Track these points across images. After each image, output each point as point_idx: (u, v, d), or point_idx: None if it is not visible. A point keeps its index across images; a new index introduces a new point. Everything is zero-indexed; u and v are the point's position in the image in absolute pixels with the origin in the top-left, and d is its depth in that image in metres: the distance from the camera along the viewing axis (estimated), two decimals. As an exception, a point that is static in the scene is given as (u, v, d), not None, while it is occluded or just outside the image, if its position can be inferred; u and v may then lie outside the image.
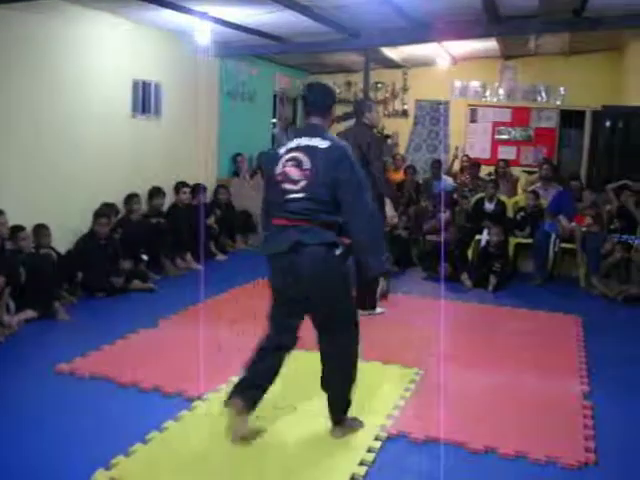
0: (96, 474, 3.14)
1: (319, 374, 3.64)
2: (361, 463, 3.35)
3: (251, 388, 3.57)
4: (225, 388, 4.21)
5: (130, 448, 3.39)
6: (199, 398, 4.06)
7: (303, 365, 4.66)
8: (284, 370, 4.04)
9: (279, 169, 3.48)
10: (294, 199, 3.41)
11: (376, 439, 3.62)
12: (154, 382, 4.25)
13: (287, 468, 3.32)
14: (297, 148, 3.48)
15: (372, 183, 4.26)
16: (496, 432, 3.79)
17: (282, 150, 3.53)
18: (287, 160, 3.47)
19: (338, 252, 3.40)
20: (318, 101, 3.67)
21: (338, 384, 3.63)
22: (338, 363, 3.59)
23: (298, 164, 3.43)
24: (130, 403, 4.03)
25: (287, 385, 4.33)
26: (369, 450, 3.49)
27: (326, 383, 3.64)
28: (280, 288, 3.56)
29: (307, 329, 4.76)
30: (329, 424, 3.69)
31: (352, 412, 3.94)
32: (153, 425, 3.66)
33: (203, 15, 7.03)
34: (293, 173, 3.43)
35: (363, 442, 3.56)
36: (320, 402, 4.04)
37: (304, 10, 6.89)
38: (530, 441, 3.67)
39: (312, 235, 3.36)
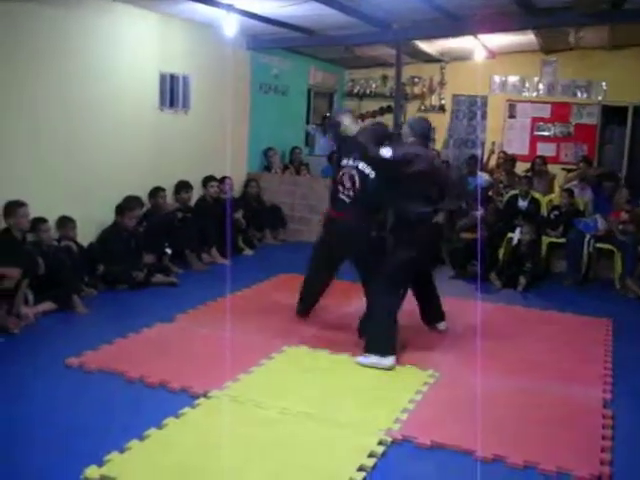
0: (87, 470, 3.09)
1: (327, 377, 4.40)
2: (360, 468, 3.23)
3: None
4: (232, 385, 4.15)
5: (126, 444, 3.34)
6: (204, 395, 3.99)
7: (301, 366, 4.60)
8: (283, 372, 4.37)
9: (338, 174, 5.07)
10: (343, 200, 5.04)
11: (380, 443, 3.50)
12: (161, 377, 4.20)
13: (284, 470, 3.22)
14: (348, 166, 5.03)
15: None
16: (507, 440, 3.63)
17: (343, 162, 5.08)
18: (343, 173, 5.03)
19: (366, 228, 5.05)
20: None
21: (369, 321, 4.93)
22: (370, 303, 4.99)
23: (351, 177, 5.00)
24: (134, 398, 3.99)
25: (287, 388, 4.24)
26: (370, 455, 3.37)
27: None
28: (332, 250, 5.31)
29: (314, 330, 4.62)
30: (331, 427, 3.63)
31: (358, 413, 3.86)
32: (153, 421, 3.60)
33: (229, 7, 6.95)
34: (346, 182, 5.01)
35: (365, 446, 3.44)
36: (319, 405, 3.96)
37: (331, 2, 6.76)
38: (542, 451, 3.51)
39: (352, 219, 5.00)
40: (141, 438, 3.43)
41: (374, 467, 3.29)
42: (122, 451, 3.29)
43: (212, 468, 3.21)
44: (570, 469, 3.33)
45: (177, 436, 3.50)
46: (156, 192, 7.44)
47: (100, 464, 3.15)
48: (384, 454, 3.43)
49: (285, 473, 3.20)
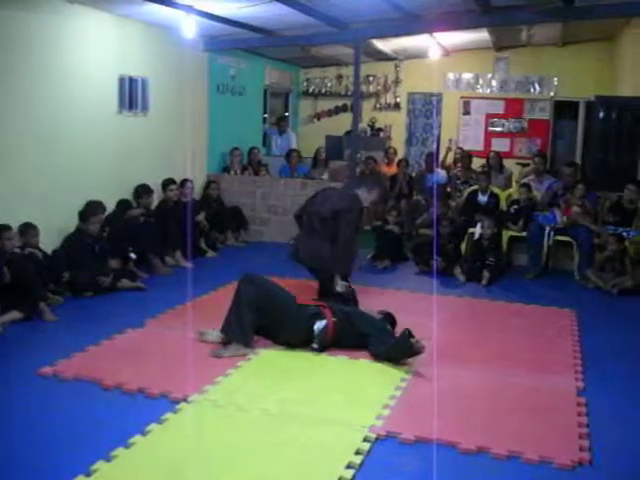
0: (75, 481, 3.05)
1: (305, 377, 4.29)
2: (348, 466, 3.25)
3: None
4: (211, 388, 4.14)
5: (112, 453, 3.30)
6: (184, 400, 3.97)
7: (277, 367, 4.61)
8: (261, 374, 4.43)
9: None
10: None
11: (365, 440, 3.53)
12: (139, 384, 4.15)
13: (271, 472, 3.23)
14: None
15: None
16: (489, 431, 3.70)
17: None
18: None
19: None
20: None
21: None
22: None
23: None
24: (113, 406, 3.93)
25: (266, 390, 4.24)
26: (357, 452, 3.40)
27: None
28: None
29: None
30: (315, 426, 3.66)
31: (340, 411, 3.88)
32: (136, 428, 3.57)
33: (188, 9, 6.90)
34: None
35: (351, 444, 3.47)
36: (300, 405, 3.97)
37: (290, 2, 6.77)
38: (523, 440, 3.59)
39: None
40: (126, 446, 3.39)
41: (362, 464, 3.32)
42: (109, 460, 3.25)
43: (202, 473, 3.20)
44: (552, 457, 3.41)
45: (163, 442, 3.48)
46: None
47: (88, 474, 3.11)
48: (370, 451, 3.46)
49: (275, 475, 3.21)
